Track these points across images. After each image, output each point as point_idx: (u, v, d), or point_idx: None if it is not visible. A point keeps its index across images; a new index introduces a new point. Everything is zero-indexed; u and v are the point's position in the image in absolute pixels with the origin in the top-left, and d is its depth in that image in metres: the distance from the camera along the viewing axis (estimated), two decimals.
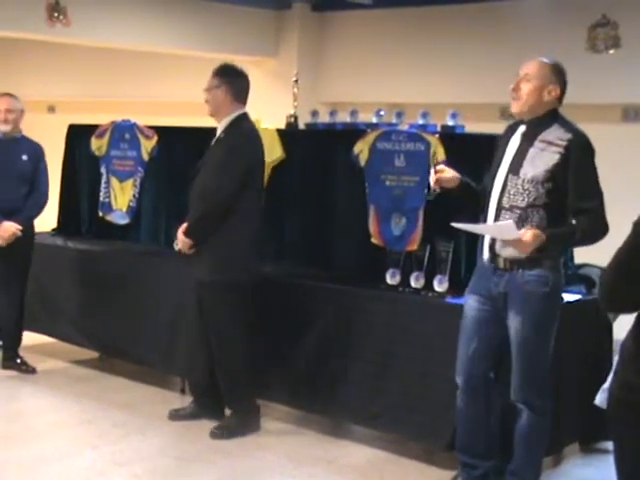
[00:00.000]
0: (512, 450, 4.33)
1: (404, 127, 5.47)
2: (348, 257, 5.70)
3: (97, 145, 7.05)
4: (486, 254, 4.22)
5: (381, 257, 5.41)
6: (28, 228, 6.33)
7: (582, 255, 5.52)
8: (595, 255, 4.83)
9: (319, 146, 5.91)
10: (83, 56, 11.52)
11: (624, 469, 2.85)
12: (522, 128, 4.19)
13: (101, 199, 7.03)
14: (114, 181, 6.95)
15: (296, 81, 6.38)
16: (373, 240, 5.49)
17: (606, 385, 3.28)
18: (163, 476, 4.75)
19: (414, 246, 5.28)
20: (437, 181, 4.28)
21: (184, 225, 5.25)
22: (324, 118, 6.17)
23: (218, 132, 5.30)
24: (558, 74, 4.17)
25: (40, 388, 6.17)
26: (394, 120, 5.72)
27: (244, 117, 5.32)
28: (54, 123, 6.96)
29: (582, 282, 5.26)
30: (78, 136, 7.29)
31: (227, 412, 5.46)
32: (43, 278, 6.59)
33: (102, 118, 7.40)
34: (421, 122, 5.52)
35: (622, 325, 4.24)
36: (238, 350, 5.28)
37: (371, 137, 5.49)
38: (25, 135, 6.47)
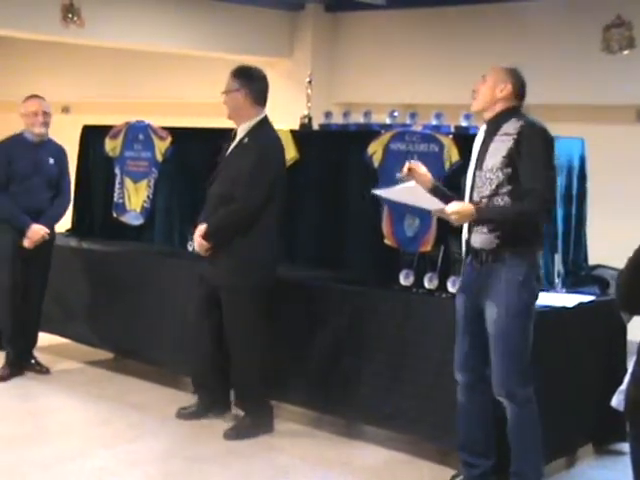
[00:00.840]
0: (507, 449, 4.37)
1: (418, 128, 5.46)
2: (361, 258, 5.69)
3: (111, 146, 7.07)
4: (464, 249, 4.40)
5: (394, 258, 5.41)
6: (50, 231, 6.35)
7: (596, 256, 5.52)
8: (609, 257, 4.83)
9: (333, 147, 5.91)
10: (97, 57, 11.54)
11: None
12: (484, 127, 4.42)
13: (115, 200, 7.05)
14: (128, 182, 6.97)
15: (310, 82, 6.38)
16: (386, 241, 5.48)
17: (622, 387, 3.27)
18: (176, 477, 4.76)
19: (427, 247, 5.28)
20: (409, 170, 4.45)
21: (202, 227, 5.22)
22: (338, 119, 6.17)
23: (239, 135, 5.26)
24: (510, 74, 4.40)
25: (54, 388, 6.19)
26: (408, 121, 5.72)
27: (266, 121, 5.30)
28: (68, 124, 6.97)
29: (596, 283, 5.25)
30: (92, 137, 7.31)
31: (238, 412, 5.47)
32: (57, 279, 6.60)
33: (116, 119, 7.42)
34: (435, 123, 5.52)
35: (636, 326, 4.25)
36: (255, 352, 5.29)
37: (385, 138, 5.49)
38: (51, 138, 6.45)
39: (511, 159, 4.18)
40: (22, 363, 6.40)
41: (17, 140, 6.35)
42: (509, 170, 4.18)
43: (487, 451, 4.47)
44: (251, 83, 5.27)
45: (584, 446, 5.14)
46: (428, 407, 4.86)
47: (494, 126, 4.32)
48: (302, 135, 6.02)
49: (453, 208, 4.18)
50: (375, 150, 5.52)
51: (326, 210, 5.90)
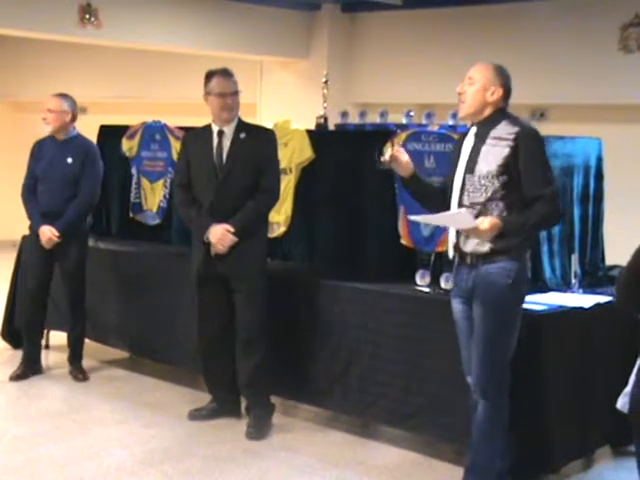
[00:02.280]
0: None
1: (434, 128, 5.46)
2: (378, 258, 5.69)
3: (128, 146, 7.09)
4: (451, 252, 4.38)
5: (411, 258, 5.41)
6: (73, 232, 6.21)
7: (613, 257, 5.50)
8: (626, 257, 4.80)
9: (349, 147, 5.90)
10: (114, 57, 11.58)
11: None
12: (474, 129, 4.33)
13: (132, 200, 7.07)
14: (145, 182, 6.99)
15: (326, 82, 6.37)
16: (403, 241, 5.48)
17: (628, 389, 3.26)
18: (193, 476, 4.76)
19: (444, 247, 5.26)
20: (391, 157, 4.40)
21: (229, 227, 5.17)
22: (354, 119, 6.17)
23: (229, 133, 5.28)
24: (500, 76, 4.29)
25: (71, 387, 6.21)
26: (424, 121, 5.71)
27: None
28: (85, 124, 6.98)
29: (612, 284, 5.22)
30: (109, 137, 7.33)
31: (244, 411, 5.48)
32: None
33: (133, 119, 7.45)
34: (451, 123, 5.51)
35: None
36: (266, 344, 5.33)
37: (401, 138, 5.48)
38: (80, 135, 6.35)
39: (507, 167, 4.12)
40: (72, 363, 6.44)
41: (45, 140, 6.36)
42: (505, 177, 4.13)
43: (503, 453, 4.43)
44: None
45: (601, 447, 5.12)
46: (444, 408, 4.85)
47: (484, 129, 4.24)
48: (318, 135, 6.03)
49: (485, 225, 4.09)
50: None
51: (342, 210, 5.89)
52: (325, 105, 6.31)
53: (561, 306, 4.82)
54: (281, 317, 5.50)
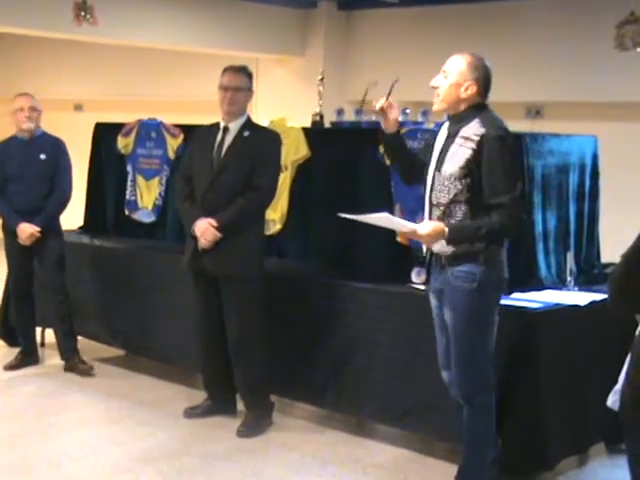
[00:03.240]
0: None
1: (430, 125, 5.45)
2: (373, 256, 5.68)
3: (123, 143, 7.08)
4: (424, 249, 4.39)
5: (406, 256, 5.40)
6: (51, 226, 6.33)
7: (609, 254, 5.50)
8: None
9: (345, 144, 5.90)
10: (110, 55, 11.58)
11: (637, 469, 2.84)
12: (447, 124, 4.23)
13: (127, 197, 7.06)
14: (140, 179, 6.98)
15: (322, 79, 6.37)
16: (398, 239, 5.48)
17: (618, 387, 3.26)
18: (189, 474, 4.76)
19: None
20: (383, 107, 4.36)
21: (212, 221, 5.16)
22: (350, 116, 6.16)
23: (233, 130, 5.27)
24: (475, 70, 4.16)
25: (66, 385, 6.21)
26: (420, 118, 5.71)
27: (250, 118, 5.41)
28: (81, 121, 7.00)
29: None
30: (105, 134, 7.32)
31: (244, 410, 5.47)
32: (69, 276, 6.61)
33: (129, 117, 7.44)
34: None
35: None
36: (259, 344, 5.33)
37: None
38: (45, 132, 6.44)
39: (470, 170, 4.02)
40: (67, 360, 6.49)
41: (10, 141, 6.40)
42: (468, 180, 4.03)
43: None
44: (252, 84, 5.41)
45: (596, 445, 5.12)
46: (439, 406, 4.85)
47: (455, 126, 4.14)
48: (314, 133, 6.02)
49: (425, 230, 4.04)
50: None
51: (338, 208, 5.87)
52: (321, 102, 6.30)
53: (557, 304, 4.82)
54: (275, 315, 5.50)
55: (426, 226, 4.06)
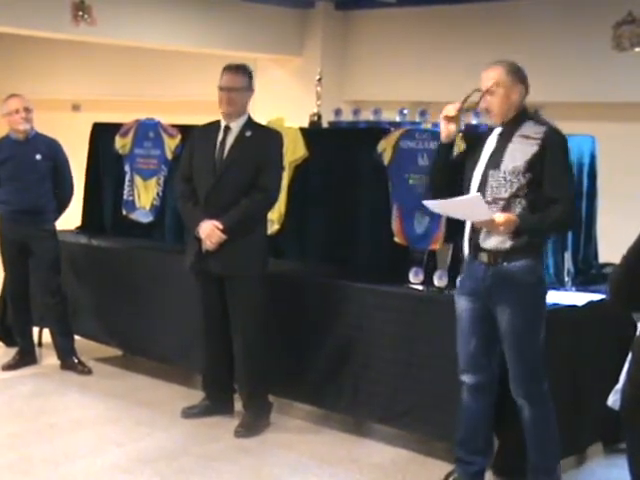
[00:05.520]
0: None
1: (428, 126, 5.46)
2: (371, 255, 5.69)
3: (121, 143, 7.07)
4: (467, 249, 4.34)
5: (404, 256, 5.41)
6: (46, 228, 6.39)
7: (606, 255, 5.50)
8: (620, 255, 4.80)
9: (342, 145, 5.91)
10: (108, 55, 11.57)
11: (637, 469, 2.84)
12: (498, 129, 4.33)
13: (125, 197, 7.06)
14: (138, 179, 6.98)
15: (319, 80, 6.38)
16: (396, 239, 5.48)
17: (618, 386, 3.26)
18: (187, 474, 4.76)
19: (437, 245, 5.28)
20: (450, 116, 4.32)
21: (218, 223, 5.14)
22: (347, 116, 6.17)
23: (235, 130, 5.27)
24: (517, 77, 4.32)
25: (64, 385, 6.21)
26: (417, 119, 5.72)
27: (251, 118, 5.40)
28: (79, 121, 6.99)
29: (606, 281, 5.22)
30: (102, 134, 7.32)
31: (242, 410, 5.47)
32: (66, 276, 6.62)
33: (126, 117, 7.44)
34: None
35: None
36: (263, 344, 5.33)
37: (394, 136, 5.48)
38: (38, 132, 6.44)
39: (533, 164, 4.14)
40: (63, 360, 6.52)
41: (3, 141, 6.41)
42: (530, 175, 4.14)
43: (486, 449, 4.50)
44: (253, 84, 5.39)
45: (594, 444, 5.13)
46: (437, 405, 4.85)
47: (510, 130, 4.26)
48: (312, 133, 6.03)
49: (501, 219, 4.10)
50: (385, 148, 5.51)
51: (335, 208, 5.89)
52: (319, 103, 6.31)
53: (554, 304, 4.82)
54: (273, 315, 5.50)
55: (501, 216, 4.11)
